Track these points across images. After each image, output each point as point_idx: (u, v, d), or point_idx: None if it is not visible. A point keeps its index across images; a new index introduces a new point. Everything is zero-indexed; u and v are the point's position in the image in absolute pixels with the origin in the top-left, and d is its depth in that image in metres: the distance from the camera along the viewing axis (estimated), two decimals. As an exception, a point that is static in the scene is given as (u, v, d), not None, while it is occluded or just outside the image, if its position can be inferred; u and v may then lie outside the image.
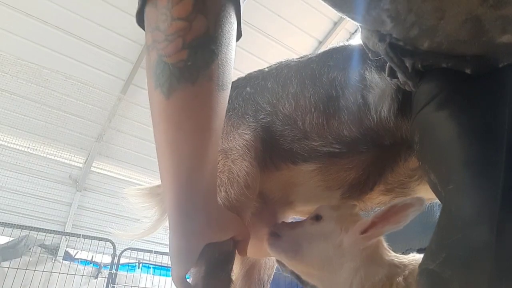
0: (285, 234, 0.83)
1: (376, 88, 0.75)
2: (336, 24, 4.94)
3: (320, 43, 5.18)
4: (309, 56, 0.90)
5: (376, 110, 0.74)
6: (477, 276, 0.38)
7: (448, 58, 0.53)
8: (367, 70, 0.77)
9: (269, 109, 0.84)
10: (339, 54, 0.85)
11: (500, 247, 0.38)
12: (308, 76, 0.83)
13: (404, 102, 0.72)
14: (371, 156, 0.78)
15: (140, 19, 0.60)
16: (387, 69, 0.66)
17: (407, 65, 0.57)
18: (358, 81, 0.77)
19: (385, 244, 0.82)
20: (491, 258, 0.38)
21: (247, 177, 0.79)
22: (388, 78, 0.67)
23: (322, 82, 0.81)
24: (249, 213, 0.81)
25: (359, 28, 0.63)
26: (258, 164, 0.82)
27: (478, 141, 0.47)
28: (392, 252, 0.81)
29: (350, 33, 5.12)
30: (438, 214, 0.48)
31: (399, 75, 0.62)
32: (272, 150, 0.83)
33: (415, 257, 0.78)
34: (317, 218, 0.83)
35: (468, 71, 0.51)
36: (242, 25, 0.63)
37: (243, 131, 0.83)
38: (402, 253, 0.82)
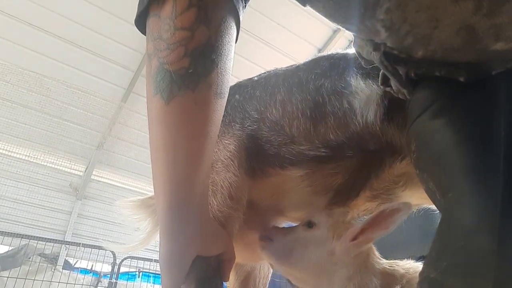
0: (277, 238, 0.83)
1: (362, 93, 0.76)
2: (335, 32, 4.99)
3: (320, 50, 5.22)
4: (297, 64, 0.92)
5: (362, 115, 0.75)
6: (480, 284, 0.38)
7: (441, 66, 0.53)
8: (352, 76, 0.79)
9: (256, 116, 0.85)
10: (326, 62, 0.86)
11: (502, 254, 0.37)
12: (295, 84, 0.85)
13: (390, 108, 0.73)
14: (357, 161, 0.79)
15: (139, 22, 0.62)
16: (380, 77, 0.67)
17: (401, 73, 0.58)
18: (344, 88, 0.79)
19: (376, 252, 0.81)
20: (494, 266, 0.37)
21: (231, 188, 0.80)
22: (382, 87, 0.68)
23: (309, 89, 0.82)
24: (235, 226, 0.80)
25: (353, 36, 0.64)
26: (244, 173, 0.82)
27: (476, 148, 0.47)
28: (383, 260, 0.81)
29: (349, 41, 5.15)
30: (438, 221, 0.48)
31: (393, 83, 0.62)
32: (258, 157, 0.84)
33: (410, 265, 0.78)
34: (309, 224, 0.82)
35: (461, 79, 0.52)
36: (241, 33, 0.65)
37: (227, 142, 0.85)
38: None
